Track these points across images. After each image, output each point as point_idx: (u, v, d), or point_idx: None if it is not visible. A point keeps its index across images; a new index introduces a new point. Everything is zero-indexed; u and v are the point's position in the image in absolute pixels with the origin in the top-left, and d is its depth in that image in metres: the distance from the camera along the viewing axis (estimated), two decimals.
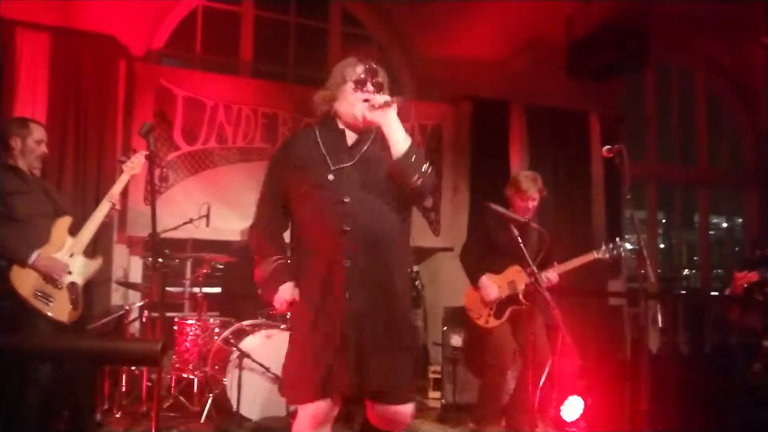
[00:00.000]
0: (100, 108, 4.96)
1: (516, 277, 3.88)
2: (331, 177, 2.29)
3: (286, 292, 2.37)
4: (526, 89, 6.32)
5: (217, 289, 5.28)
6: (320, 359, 2.23)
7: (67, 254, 3.14)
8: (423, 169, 2.28)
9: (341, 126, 2.38)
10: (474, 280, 3.96)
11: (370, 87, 2.33)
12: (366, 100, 2.30)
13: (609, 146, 2.97)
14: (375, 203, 2.30)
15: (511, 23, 6.31)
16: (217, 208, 4.90)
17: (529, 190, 3.88)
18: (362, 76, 2.33)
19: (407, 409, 2.34)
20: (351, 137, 2.38)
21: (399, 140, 2.26)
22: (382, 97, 2.28)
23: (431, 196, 2.37)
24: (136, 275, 5.26)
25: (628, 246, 3.94)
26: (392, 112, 2.27)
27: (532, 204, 3.91)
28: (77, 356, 1.06)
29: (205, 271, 4.70)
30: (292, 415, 4.11)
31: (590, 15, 6.41)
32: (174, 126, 5.27)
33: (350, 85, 2.33)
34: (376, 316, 2.26)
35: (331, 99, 2.38)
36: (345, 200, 2.26)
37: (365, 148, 2.36)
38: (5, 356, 1.41)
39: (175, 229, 4.52)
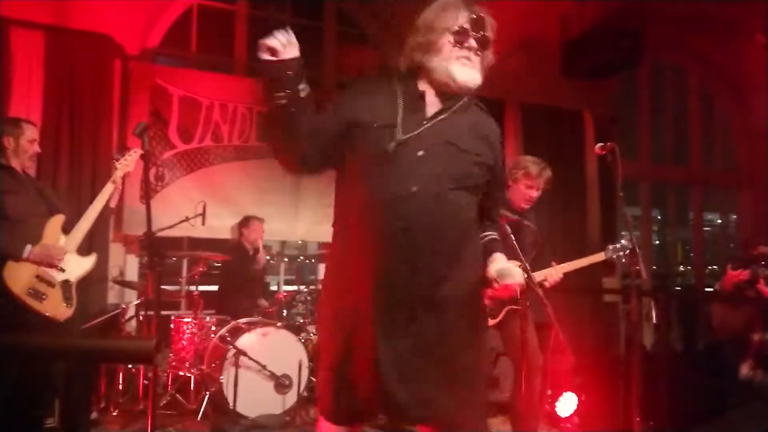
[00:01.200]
0: (95, 107, 4.96)
1: None
2: (396, 151, 1.78)
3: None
4: (520, 88, 6.34)
5: (213, 287, 5.30)
6: (350, 380, 1.83)
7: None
8: None
9: (421, 87, 1.87)
10: None
11: (473, 43, 1.83)
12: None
13: (601, 144, 2.98)
14: (451, 195, 1.81)
15: (505, 22, 6.29)
16: (212, 206, 4.92)
17: (538, 177, 3.44)
18: (465, 25, 1.82)
19: None
20: (433, 104, 1.86)
21: None
22: None
23: None
24: (132, 274, 5.27)
25: (625, 243, 3.74)
26: None
27: (536, 194, 3.49)
28: (71, 353, 1.08)
29: (201, 269, 4.72)
30: (288, 413, 4.15)
31: (584, 14, 6.43)
32: (169, 125, 5.28)
33: (447, 37, 1.82)
34: (432, 335, 1.80)
35: (424, 50, 1.84)
36: (412, 189, 1.76)
37: (449, 119, 1.85)
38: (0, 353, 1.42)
39: (171, 227, 4.52)
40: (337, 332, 1.88)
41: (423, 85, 1.88)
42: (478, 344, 1.93)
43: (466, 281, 1.87)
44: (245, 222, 5.19)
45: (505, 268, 1.87)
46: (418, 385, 1.80)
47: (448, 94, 1.86)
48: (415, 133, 1.80)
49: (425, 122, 1.83)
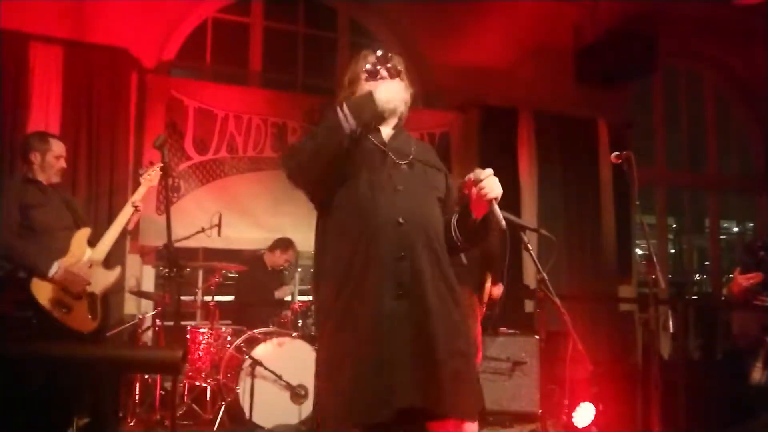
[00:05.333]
0: (113, 119, 5.02)
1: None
2: (381, 160, 2.03)
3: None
4: (534, 96, 6.34)
5: (229, 298, 5.32)
6: (366, 378, 1.89)
7: (86, 265, 3.17)
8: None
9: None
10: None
11: (384, 73, 2.10)
12: (467, 186, 2.00)
13: (617, 153, 2.98)
14: (427, 201, 2.06)
15: (519, 30, 6.34)
16: (228, 217, 4.94)
17: None
18: (372, 66, 2.10)
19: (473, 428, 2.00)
20: (386, 134, 2.12)
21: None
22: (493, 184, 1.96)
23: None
24: (148, 284, 5.30)
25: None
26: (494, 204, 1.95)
27: None
28: (99, 363, 1.09)
29: (216, 279, 4.74)
30: (303, 423, 4.15)
31: (598, 20, 6.43)
32: (185, 136, 5.33)
33: (363, 77, 2.11)
34: (434, 322, 1.94)
35: (349, 95, 2.11)
36: (398, 188, 2.01)
37: (407, 149, 2.11)
38: (27, 363, 1.45)
39: (186, 238, 4.56)
40: (344, 337, 1.94)
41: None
42: (469, 336, 2.11)
43: (450, 271, 2.04)
44: (285, 246, 5.19)
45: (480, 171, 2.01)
46: (426, 380, 1.89)
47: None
48: (399, 161, 2.06)
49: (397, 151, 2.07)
